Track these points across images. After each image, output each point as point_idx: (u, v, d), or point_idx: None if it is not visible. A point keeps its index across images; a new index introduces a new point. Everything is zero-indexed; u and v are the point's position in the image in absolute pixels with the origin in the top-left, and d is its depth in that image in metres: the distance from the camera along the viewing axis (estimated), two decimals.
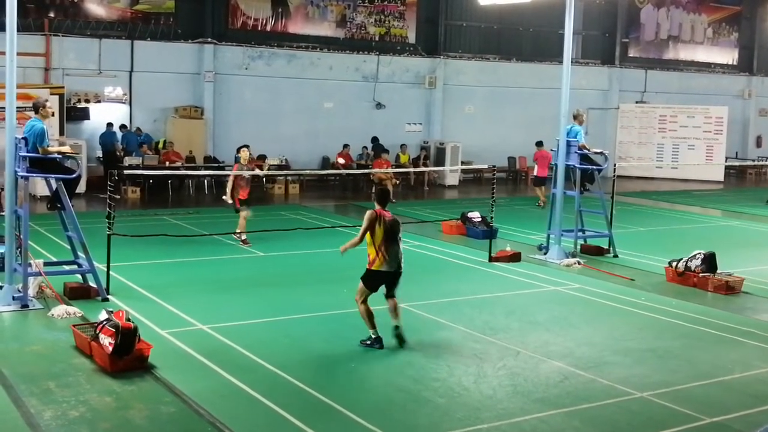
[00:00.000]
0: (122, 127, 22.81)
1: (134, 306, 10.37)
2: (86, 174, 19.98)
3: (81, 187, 18.73)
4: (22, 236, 10.46)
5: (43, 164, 10.64)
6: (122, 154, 21.99)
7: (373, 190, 9.50)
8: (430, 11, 28.09)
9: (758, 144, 35.29)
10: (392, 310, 9.26)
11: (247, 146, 15.64)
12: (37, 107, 10.85)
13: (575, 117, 15.20)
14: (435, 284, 12.45)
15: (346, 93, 26.60)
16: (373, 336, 9.09)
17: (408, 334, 9.52)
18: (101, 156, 22.34)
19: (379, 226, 9.00)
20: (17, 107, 10.64)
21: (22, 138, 10.44)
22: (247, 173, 14.90)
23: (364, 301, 9.14)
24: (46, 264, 11.15)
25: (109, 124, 22.54)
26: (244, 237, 14.93)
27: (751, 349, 9.65)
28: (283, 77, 25.44)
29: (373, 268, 9.09)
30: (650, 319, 10.83)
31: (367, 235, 9.04)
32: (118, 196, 16.15)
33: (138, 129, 23.07)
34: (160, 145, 22.89)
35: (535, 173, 22.29)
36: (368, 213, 9.12)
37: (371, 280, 9.14)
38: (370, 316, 9.09)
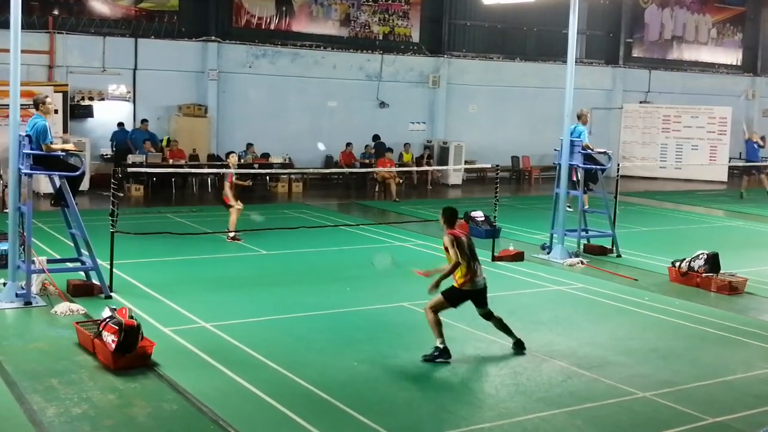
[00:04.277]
0: (119, 124, 22.57)
1: (137, 303, 10.37)
2: (90, 171, 20.01)
3: (84, 185, 18.75)
4: (25, 233, 10.48)
5: (46, 161, 10.65)
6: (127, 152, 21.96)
7: (442, 212, 9.24)
8: (434, 10, 28.03)
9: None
10: (503, 328, 9.17)
11: (234, 152, 16.64)
12: (38, 104, 10.87)
13: (579, 117, 15.20)
14: None
15: (350, 92, 26.56)
16: (440, 346, 8.72)
17: (411, 333, 9.53)
18: (108, 154, 22.33)
19: (460, 247, 8.80)
20: (21, 105, 10.65)
21: (26, 135, 10.46)
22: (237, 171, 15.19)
23: (437, 312, 8.87)
24: (49, 261, 11.13)
25: (120, 124, 22.61)
26: (231, 234, 15.05)
27: (754, 350, 9.64)
28: (287, 76, 25.40)
29: (464, 288, 8.88)
30: (653, 319, 10.82)
31: (448, 257, 8.83)
32: (122, 194, 16.15)
33: (144, 121, 22.90)
34: (164, 143, 22.90)
35: None
36: (448, 238, 8.82)
37: (459, 299, 8.95)
38: (439, 324, 8.81)
